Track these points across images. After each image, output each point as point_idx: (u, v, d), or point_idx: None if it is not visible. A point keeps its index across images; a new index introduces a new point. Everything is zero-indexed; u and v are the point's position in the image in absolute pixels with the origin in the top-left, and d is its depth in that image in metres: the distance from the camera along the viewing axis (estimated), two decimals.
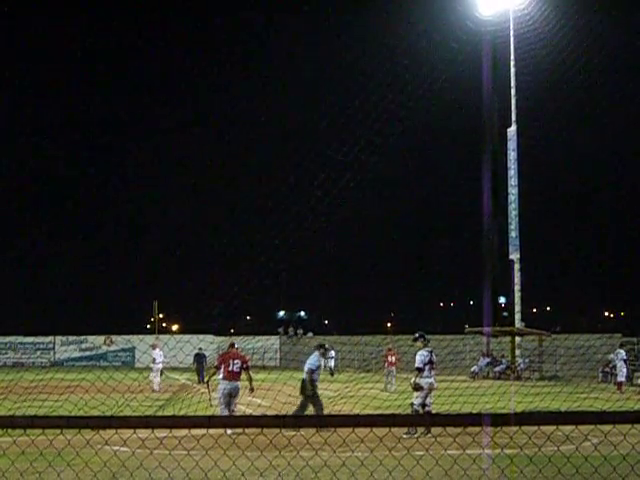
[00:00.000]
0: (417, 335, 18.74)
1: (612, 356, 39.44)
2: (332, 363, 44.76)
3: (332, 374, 42.44)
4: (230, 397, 18.45)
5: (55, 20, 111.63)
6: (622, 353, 34.30)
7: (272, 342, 62.66)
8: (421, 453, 11.51)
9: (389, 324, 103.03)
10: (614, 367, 39.33)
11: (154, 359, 34.16)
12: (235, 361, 18.69)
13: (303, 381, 19.45)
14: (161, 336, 58.34)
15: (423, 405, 17.69)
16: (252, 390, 18.80)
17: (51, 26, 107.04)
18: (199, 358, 38.38)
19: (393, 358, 35.47)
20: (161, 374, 34.02)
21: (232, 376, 18.55)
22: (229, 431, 14.83)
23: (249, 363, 19.59)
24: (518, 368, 43.32)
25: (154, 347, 35.30)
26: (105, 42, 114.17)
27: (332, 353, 44.96)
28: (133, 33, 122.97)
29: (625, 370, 34.07)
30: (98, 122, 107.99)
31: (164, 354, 34.72)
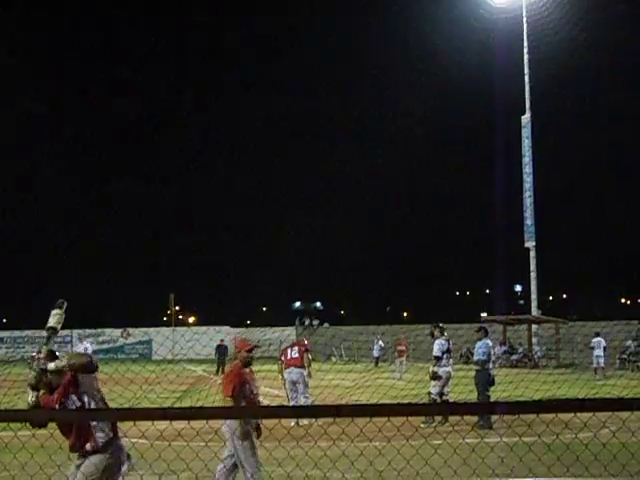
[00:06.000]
0: (433, 326, 18.81)
1: (629, 342, 39.34)
2: (379, 353, 44.20)
3: (377, 364, 42.14)
4: (294, 384, 18.51)
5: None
6: (602, 341, 33.90)
7: (288, 333, 62.69)
8: (439, 442, 11.51)
9: (405, 313, 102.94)
10: (632, 354, 39.22)
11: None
12: (293, 348, 18.91)
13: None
14: (178, 328, 58.49)
15: (441, 394, 17.70)
16: (308, 375, 18.81)
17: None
18: (220, 349, 38.40)
19: (403, 347, 35.49)
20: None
21: (290, 363, 18.64)
22: (300, 422, 15.41)
23: (308, 347, 19.74)
24: (535, 356, 43.23)
25: (81, 340, 35.35)
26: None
27: (380, 343, 44.54)
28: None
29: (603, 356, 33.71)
30: (130, 114, 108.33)
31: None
